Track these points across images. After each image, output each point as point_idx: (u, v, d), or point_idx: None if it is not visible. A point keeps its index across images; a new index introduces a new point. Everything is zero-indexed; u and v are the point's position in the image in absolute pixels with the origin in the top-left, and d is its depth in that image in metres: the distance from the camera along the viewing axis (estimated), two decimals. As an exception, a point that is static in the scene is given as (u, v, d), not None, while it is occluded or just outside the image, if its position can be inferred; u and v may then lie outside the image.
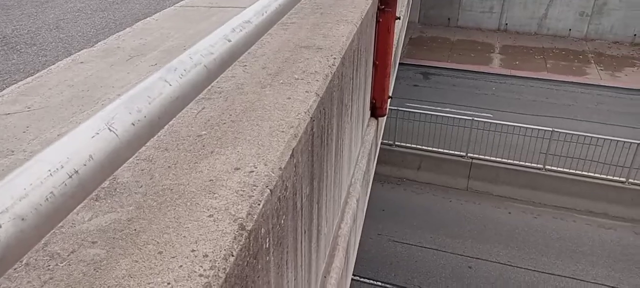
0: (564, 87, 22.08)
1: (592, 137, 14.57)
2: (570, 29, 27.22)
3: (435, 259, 13.17)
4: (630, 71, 23.65)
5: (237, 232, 1.41)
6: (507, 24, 28.12)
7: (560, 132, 14.69)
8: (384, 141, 15.68)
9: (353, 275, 6.02)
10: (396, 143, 16.28)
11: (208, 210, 1.49)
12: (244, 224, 1.45)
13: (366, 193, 6.09)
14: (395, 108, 15.77)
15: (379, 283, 12.48)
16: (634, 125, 18.67)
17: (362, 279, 12.46)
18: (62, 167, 0.89)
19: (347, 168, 4.17)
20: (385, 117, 6.35)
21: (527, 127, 15.13)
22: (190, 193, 1.56)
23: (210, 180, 1.63)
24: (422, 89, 21.90)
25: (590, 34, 27.02)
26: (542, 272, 12.73)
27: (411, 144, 16.18)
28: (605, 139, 14.42)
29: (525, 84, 22.35)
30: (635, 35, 26.34)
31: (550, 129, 14.80)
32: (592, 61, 24.68)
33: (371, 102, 5.45)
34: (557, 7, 27.00)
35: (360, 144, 5.04)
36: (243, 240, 1.42)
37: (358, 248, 5.79)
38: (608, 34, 26.75)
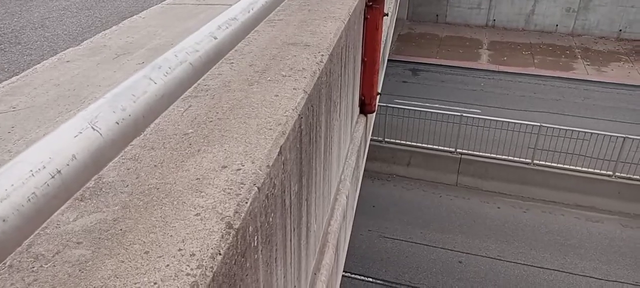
0: (551, 82, 22.27)
1: (579, 131, 14.74)
2: (557, 25, 27.47)
3: (426, 254, 13.24)
4: (616, 66, 23.91)
5: (224, 230, 1.41)
6: (495, 20, 28.30)
7: (548, 127, 14.82)
8: (374, 138, 15.73)
9: (344, 271, 6.03)
10: (386, 139, 16.32)
11: (195, 208, 1.48)
12: (232, 222, 1.45)
13: (356, 189, 6.10)
14: (385, 104, 15.83)
15: (370, 279, 12.52)
16: (620, 120, 18.89)
17: (353, 275, 12.50)
18: (44, 167, 0.88)
19: (337, 165, 4.18)
20: (374, 114, 6.36)
21: (515, 122, 15.26)
22: (177, 192, 1.56)
23: (197, 179, 1.62)
24: (411, 85, 21.95)
25: (577, 29, 27.29)
26: (532, 266, 12.86)
27: (401, 140, 16.23)
28: (592, 133, 14.58)
29: (513, 80, 22.51)
30: (620, 30, 26.64)
31: (538, 124, 14.93)
32: (579, 56, 24.92)
33: (360, 99, 5.45)
34: (544, 3, 27.23)
35: (349, 140, 5.04)
36: (230, 239, 1.41)
37: (348, 245, 5.80)
38: (594, 29, 27.04)
